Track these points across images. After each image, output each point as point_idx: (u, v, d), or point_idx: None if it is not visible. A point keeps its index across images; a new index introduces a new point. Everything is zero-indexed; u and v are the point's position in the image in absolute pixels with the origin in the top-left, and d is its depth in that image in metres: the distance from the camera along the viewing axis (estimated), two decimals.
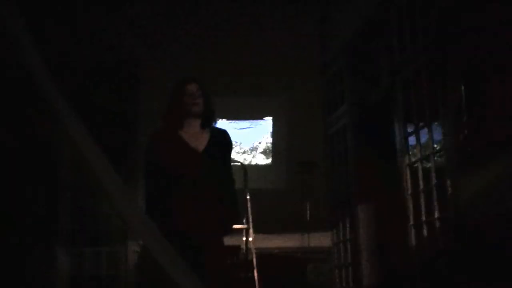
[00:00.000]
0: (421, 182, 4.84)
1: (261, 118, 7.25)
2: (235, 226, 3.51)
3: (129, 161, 6.45)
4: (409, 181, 5.00)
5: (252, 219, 5.16)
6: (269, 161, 7.17)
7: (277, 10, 7.18)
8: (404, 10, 5.14)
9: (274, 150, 7.16)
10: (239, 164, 3.90)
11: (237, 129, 7.15)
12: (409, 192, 4.97)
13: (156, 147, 3.31)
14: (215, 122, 3.46)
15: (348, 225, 6.33)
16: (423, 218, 4.74)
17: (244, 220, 5.21)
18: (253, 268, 4.20)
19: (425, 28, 4.75)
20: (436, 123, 4.67)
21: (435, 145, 4.73)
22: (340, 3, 6.74)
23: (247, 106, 7.23)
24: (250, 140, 7.11)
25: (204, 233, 3.14)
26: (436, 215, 4.53)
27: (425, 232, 4.72)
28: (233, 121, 7.04)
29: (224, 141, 3.41)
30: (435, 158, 4.68)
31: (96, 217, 6.47)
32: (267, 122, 7.27)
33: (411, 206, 4.94)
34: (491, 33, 3.88)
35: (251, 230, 4.20)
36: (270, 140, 7.31)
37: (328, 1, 7.04)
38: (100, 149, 2.18)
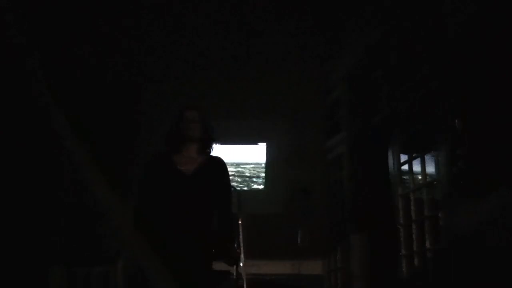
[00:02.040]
0: (413, 213, 4.85)
1: (255, 143, 7.28)
2: None
3: (128, 179, 6.49)
4: (401, 211, 5.02)
5: (244, 244, 5.14)
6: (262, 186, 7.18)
7: (279, 35, 7.23)
8: (405, 42, 5.21)
9: (269, 175, 7.17)
10: (233, 189, 3.91)
11: None
12: (402, 222, 4.98)
13: (149, 169, 3.44)
14: (212, 148, 3.52)
15: (340, 254, 6.32)
16: (414, 248, 4.75)
17: (235, 245, 5.18)
18: None
19: (424, 61, 4.81)
20: (431, 154, 4.71)
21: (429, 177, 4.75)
22: (343, 32, 6.80)
23: (242, 130, 7.26)
24: None
25: (191, 256, 3.18)
26: (428, 245, 4.54)
27: (416, 262, 4.72)
28: (227, 145, 7.06)
29: (217, 167, 3.47)
30: (429, 189, 4.70)
31: (89, 237, 6.46)
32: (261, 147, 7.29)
33: (403, 236, 4.95)
34: (490, 68, 3.92)
35: (242, 256, 4.17)
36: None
37: (332, 30, 7.10)
38: (97, 167, 2.22)
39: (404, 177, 5.14)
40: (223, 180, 3.49)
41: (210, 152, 3.53)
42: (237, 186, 6.32)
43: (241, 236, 4.71)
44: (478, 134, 4.00)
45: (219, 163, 3.51)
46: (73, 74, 6.70)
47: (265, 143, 7.32)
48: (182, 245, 3.16)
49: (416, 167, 4.91)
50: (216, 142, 3.58)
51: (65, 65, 6.59)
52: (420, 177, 4.84)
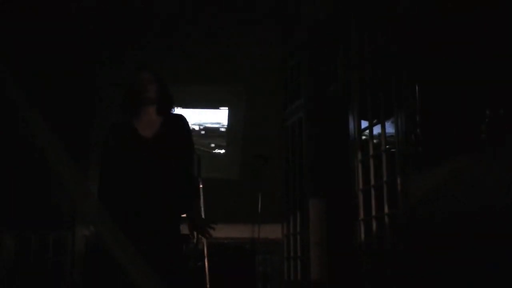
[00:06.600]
0: (372, 178, 4.90)
1: (217, 107, 7.25)
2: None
3: (89, 148, 6.41)
4: (360, 177, 5.06)
5: (204, 208, 5.15)
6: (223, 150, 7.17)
7: (239, 2, 7.15)
8: (364, 9, 5.20)
9: (229, 140, 7.16)
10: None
11: None
12: (360, 187, 5.03)
13: (111, 136, 3.32)
14: (172, 109, 3.43)
15: (298, 218, 6.38)
16: (373, 213, 4.81)
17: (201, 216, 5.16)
18: (204, 258, 4.19)
19: (383, 28, 4.81)
20: (390, 121, 4.74)
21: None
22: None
23: (203, 94, 7.21)
24: None
25: (156, 219, 3.13)
26: (386, 211, 4.61)
27: (374, 227, 4.79)
28: (189, 108, 7.02)
29: (179, 125, 3.39)
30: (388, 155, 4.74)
31: (44, 201, 6.34)
32: (223, 112, 7.27)
33: (361, 201, 5.01)
34: (449, 37, 3.95)
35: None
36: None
37: None
38: (53, 134, 2.14)
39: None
40: (185, 138, 3.41)
41: (170, 112, 3.44)
42: (198, 150, 6.28)
43: (201, 200, 4.71)
44: (434, 102, 4.05)
45: (181, 121, 3.40)
46: (29, 40, 6.51)
47: (227, 108, 7.29)
48: (146, 212, 3.12)
49: (377, 133, 4.94)
50: (175, 104, 3.49)
51: (18, 31, 6.39)
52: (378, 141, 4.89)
